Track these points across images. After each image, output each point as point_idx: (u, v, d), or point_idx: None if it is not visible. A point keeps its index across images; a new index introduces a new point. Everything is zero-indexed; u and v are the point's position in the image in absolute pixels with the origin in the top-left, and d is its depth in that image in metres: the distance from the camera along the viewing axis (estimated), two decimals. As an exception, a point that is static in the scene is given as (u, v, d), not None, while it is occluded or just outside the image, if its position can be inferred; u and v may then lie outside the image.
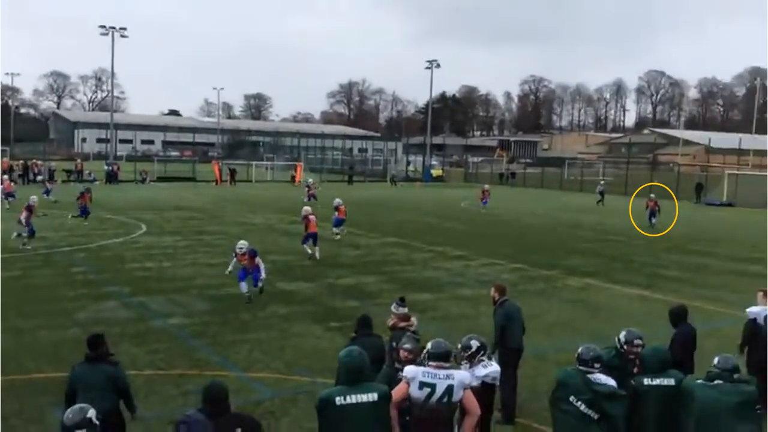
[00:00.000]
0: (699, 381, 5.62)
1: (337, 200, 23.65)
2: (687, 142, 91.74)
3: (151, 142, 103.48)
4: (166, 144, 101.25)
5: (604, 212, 37.02)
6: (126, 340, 11.29)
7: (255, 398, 8.85)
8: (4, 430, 7.76)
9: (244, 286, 13.98)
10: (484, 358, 6.07)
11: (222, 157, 76.10)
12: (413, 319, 7.40)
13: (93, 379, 6.12)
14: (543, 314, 13.25)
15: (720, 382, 5.50)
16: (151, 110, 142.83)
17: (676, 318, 8.02)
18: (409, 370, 5.41)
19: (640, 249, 23.02)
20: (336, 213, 23.15)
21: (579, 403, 5.54)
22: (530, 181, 62.10)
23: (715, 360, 5.70)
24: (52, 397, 8.04)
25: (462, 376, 5.45)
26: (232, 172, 54.09)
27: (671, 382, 5.81)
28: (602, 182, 44.21)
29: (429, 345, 5.61)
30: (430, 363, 5.45)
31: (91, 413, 4.47)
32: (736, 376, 5.56)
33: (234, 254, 14.30)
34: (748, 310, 8.82)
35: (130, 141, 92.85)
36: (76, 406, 4.56)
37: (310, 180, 38.68)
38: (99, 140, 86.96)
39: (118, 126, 71.91)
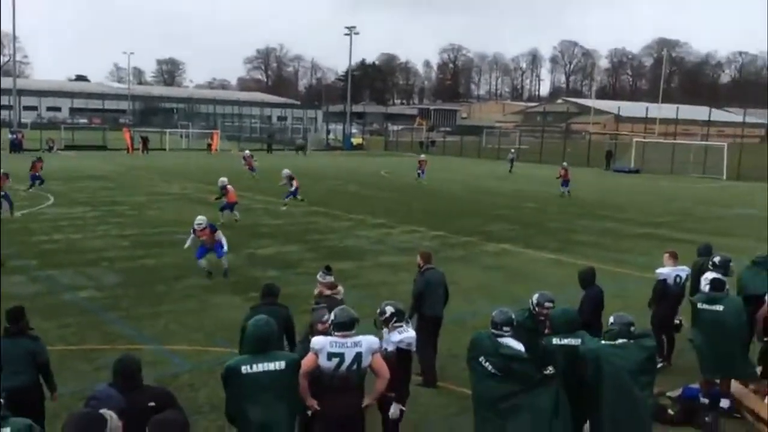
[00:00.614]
0: (603, 343, 5.83)
1: (286, 171, 23.59)
2: (598, 111, 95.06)
3: (58, 109, 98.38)
4: (74, 111, 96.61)
5: (521, 180, 38.00)
6: (35, 314, 10.68)
7: (172, 371, 8.67)
8: None
9: (202, 263, 13.41)
10: (400, 324, 6.12)
11: (133, 124, 73.36)
12: (340, 288, 7.38)
13: (11, 354, 5.86)
14: (462, 280, 13.50)
15: (624, 341, 5.76)
16: (57, 75, 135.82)
17: (584, 281, 8.34)
18: (317, 342, 5.42)
19: (554, 215, 23.80)
20: (293, 183, 23.08)
21: (487, 363, 5.76)
22: (450, 150, 62.99)
23: (611, 319, 5.99)
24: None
25: (369, 342, 5.49)
26: (145, 140, 52.22)
27: (578, 342, 6.08)
28: (512, 151, 45.41)
29: (333, 314, 5.60)
30: (336, 333, 5.46)
31: None
32: (632, 329, 5.85)
33: (192, 230, 13.59)
34: (657, 271, 9.25)
35: (34, 108, 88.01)
36: None
37: (247, 152, 37.09)
38: (1, 107, 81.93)
39: (21, 92, 68.02)
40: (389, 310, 6.16)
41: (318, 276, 7.64)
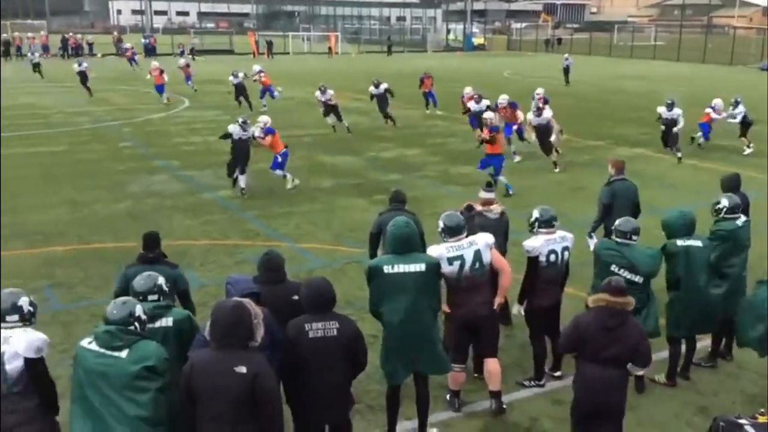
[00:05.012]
0: None
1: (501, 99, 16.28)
2: (744, 3, 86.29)
3: (186, 13, 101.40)
4: (202, 15, 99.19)
5: (658, 79, 35.56)
6: (179, 212, 11.65)
7: (307, 267, 9.13)
8: (71, 298, 8.21)
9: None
10: (540, 230, 6.06)
11: (257, 28, 74.55)
12: (495, 207, 7.00)
13: None
14: (591, 185, 13.10)
15: None
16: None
17: (728, 187, 7.86)
18: (432, 251, 5.46)
19: (692, 117, 22.20)
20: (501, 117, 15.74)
21: (621, 270, 5.82)
22: (577, 48, 59.58)
23: None
24: (115, 266, 8.38)
25: (484, 237, 5.58)
26: (269, 44, 53.03)
27: (699, 243, 6.19)
28: (566, 57, 34.93)
29: (442, 221, 5.61)
30: (449, 239, 5.50)
31: (161, 280, 4.62)
32: None
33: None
34: None
35: (164, 13, 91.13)
36: (145, 274, 4.71)
37: (257, 67, 24.62)
38: (134, 12, 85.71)
39: (152, -4, 70.19)
40: (534, 214, 6.15)
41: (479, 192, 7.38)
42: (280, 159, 13.02)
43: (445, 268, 5.40)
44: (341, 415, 4.66)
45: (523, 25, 79.02)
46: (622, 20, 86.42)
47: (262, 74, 23.59)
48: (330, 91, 18.61)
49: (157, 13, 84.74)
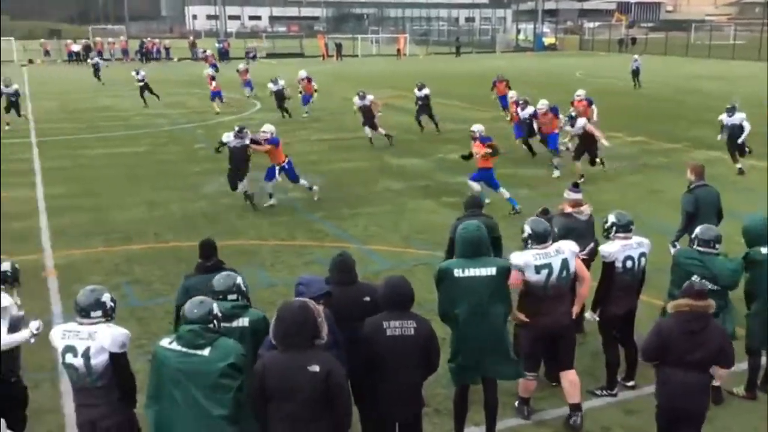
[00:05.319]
0: None
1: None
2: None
3: (258, 17, 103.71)
4: (273, 19, 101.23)
5: (737, 80, 34.17)
6: (251, 212, 11.91)
7: (374, 269, 9.17)
8: (148, 294, 8.51)
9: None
10: (617, 235, 5.92)
11: (327, 31, 75.47)
12: (585, 208, 6.92)
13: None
14: (666, 189, 12.71)
15: None
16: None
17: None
18: (518, 258, 5.33)
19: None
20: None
21: (701, 281, 5.56)
22: (653, 48, 57.73)
23: None
24: (190, 265, 8.57)
25: (569, 245, 5.48)
26: (338, 47, 53.65)
27: None
28: (635, 57, 33.01)
29: (529, 227, 5.47)
30: (536, 246, 5.39)
31: (240, 280, 4.70)
32: None
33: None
34: None
35: (238, 17, 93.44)
36: (224, 273, 4.82)
37: (303, 72, 24.26)
38: (209, 17, 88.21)
39: (225, 1, 72.09)
40: (610, 219, 6.03)
41: (564, 192, 7.31)
42: (277, 169, 12.22)
43: (531, 276, 5.30)
44: (414, 413, 4.68)
45: (596, 24, 77.18)
46: (699, 19, 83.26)
47: (307, 81, 23.35)
48: (369, 97, 17.84)
49: (231, 17, 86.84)
